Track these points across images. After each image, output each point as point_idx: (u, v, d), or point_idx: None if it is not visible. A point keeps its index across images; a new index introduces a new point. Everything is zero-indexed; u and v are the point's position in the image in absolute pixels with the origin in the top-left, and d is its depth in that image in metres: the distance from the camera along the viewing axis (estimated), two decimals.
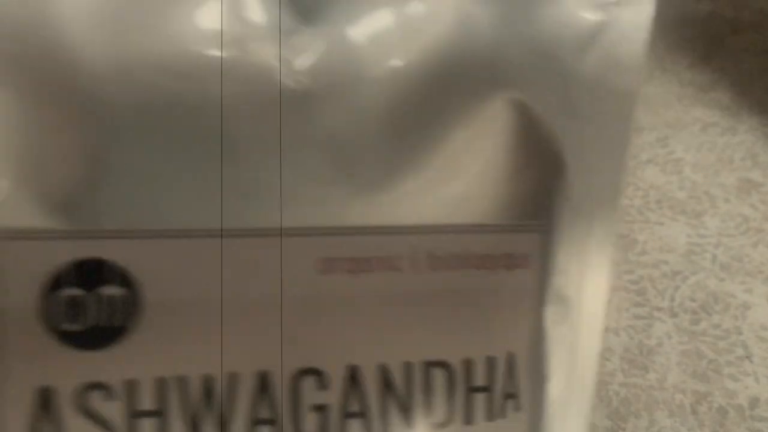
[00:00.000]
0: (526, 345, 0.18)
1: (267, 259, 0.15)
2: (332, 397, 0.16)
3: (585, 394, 0.18)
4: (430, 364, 0.16)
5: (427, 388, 0.16)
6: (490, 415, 0.17)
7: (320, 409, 0.15)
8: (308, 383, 0.15)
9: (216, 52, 0.14)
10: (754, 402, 0.26)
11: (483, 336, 0.17)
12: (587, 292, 0.18)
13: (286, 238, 0.15)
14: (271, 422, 0.15)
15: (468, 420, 0.17)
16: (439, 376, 0.16)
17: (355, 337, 0.16)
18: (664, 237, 0.32)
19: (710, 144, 0.36)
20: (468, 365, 0.17)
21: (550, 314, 0.18)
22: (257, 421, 0.15)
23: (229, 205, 0.15)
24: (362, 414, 0.16)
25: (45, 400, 0.14)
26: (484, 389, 0.17)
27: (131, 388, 0.15)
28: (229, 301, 0.15)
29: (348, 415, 0.16)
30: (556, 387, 0.18)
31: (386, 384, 0.16)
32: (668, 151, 0.36)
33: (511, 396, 0.17)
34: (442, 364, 0.16)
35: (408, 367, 0.16)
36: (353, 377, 0.16)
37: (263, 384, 0.15)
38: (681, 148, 0.36)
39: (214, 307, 0.15)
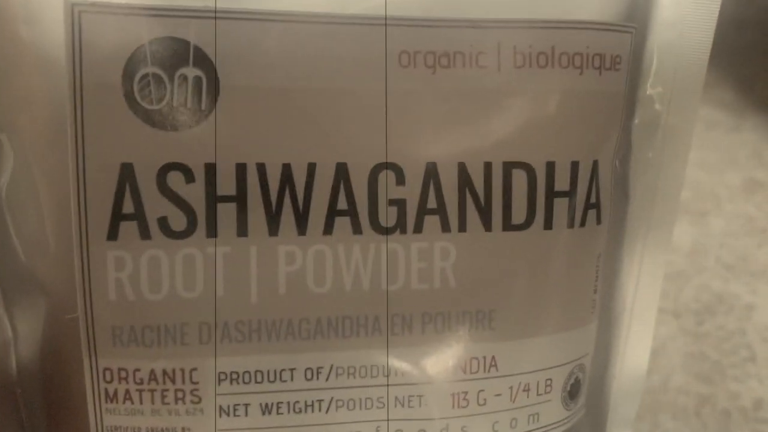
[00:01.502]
0: (612, 156, 0.17)
1: (346, 49, 0.15)
2: (409, 193, 0.16)
3: (665, 225, 0.18)
4: (510, 165, 0.16)
5: (507, 189, 0.16)
6: (570, 222, 0.17)
7: (397, 203, 0.16)
8: (386, 178, 0.15)
9: None
10: (758, 403, 0.26)
11: (568, 140, 0.16)
12: (677, 117, 0.18)
13: (366, 28, 0.15)
14: (348, 213, 0.15)
15: (547, 224, 0.16)
16: (519, 178, 0.16)
17: (434, 134, 0.16)
18: None
19: (715, 143, 0.36)
20: (551, 168, 0.16)
21: (638, 130, 0.18)
22: (335, 212, 0.15)
23: None
24: (439, 211, 0.16)
25: (127, 177, 0.15)
26: (566, 194, 0.16)
27: (210, 171, 0.15)
28: (308, 90, 0.15)
29: (425, 211, 0.16)
30: (637, 209, 0.18)
31: (464, 183, 0.16)
32: None
33: (592, 206, 0.17)
34: (524, 166, 0.16)
35: (487, 167, 0.16)
36: (431, 174, 0.16)
37: (341, 176, 0.15)
38: None
39: (294, 96, 0.15)
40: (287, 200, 0.15)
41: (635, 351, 0.19)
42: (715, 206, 0.33)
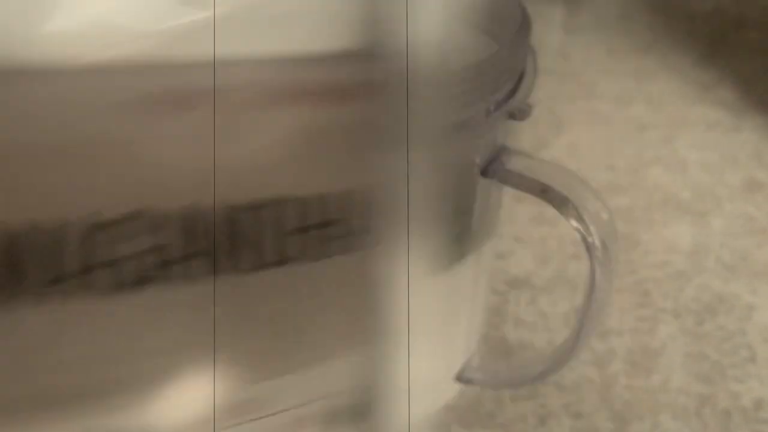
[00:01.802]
0: (375, 181, 0.16)
1: (87, 97, 0.14)
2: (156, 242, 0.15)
3: (425, 237, 0.17)
4: (258, 204, 0.15)
5: (256, 228, 0.15)
6: (336, 250, 0.16)
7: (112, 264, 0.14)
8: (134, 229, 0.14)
9: None
10: (759, 404, 0.26)
11: (317, 172, 0.16)
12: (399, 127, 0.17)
13: (108, 74, 0.14)
14: (84, 273, 0.14)
15: (303, 257, 0.16)
16: (268, 215, 0.15)
17: (180, 178, 0.15)
18: (669, 237, 0.32)
19: (715, 143, 0.36)
20: (301, 203, 0.16)
21: (386, 148, 0.16)
22: (65, 275, 0.14)
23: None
24: (196, 256, 0.15)
25: None
26: (321, 226, 0.16)
27: None
28: (55, 143, 0.14)
29: (175, 261, 0.15)
30: (404, 227, 0.17)
31: (208, 226, 0.15)
32: (672, 150, 0.36)
33: (353, 234, 0.17)
34: (272, 203, 0.15)
35: (234, 209, 0.15)
36: (187, 220, 0.15)
37: (90, 231, 0.14)
38: (685, 147, 0.36)
39: (40, 151, 0.13)
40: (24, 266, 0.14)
41: (419, 374, 0.18)
42: (715, 206, 0.33)
